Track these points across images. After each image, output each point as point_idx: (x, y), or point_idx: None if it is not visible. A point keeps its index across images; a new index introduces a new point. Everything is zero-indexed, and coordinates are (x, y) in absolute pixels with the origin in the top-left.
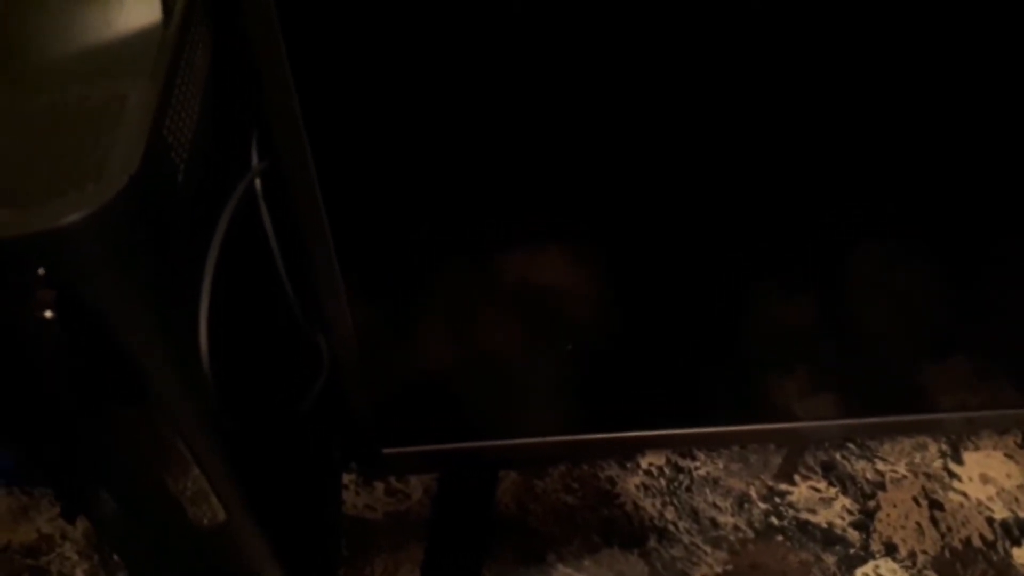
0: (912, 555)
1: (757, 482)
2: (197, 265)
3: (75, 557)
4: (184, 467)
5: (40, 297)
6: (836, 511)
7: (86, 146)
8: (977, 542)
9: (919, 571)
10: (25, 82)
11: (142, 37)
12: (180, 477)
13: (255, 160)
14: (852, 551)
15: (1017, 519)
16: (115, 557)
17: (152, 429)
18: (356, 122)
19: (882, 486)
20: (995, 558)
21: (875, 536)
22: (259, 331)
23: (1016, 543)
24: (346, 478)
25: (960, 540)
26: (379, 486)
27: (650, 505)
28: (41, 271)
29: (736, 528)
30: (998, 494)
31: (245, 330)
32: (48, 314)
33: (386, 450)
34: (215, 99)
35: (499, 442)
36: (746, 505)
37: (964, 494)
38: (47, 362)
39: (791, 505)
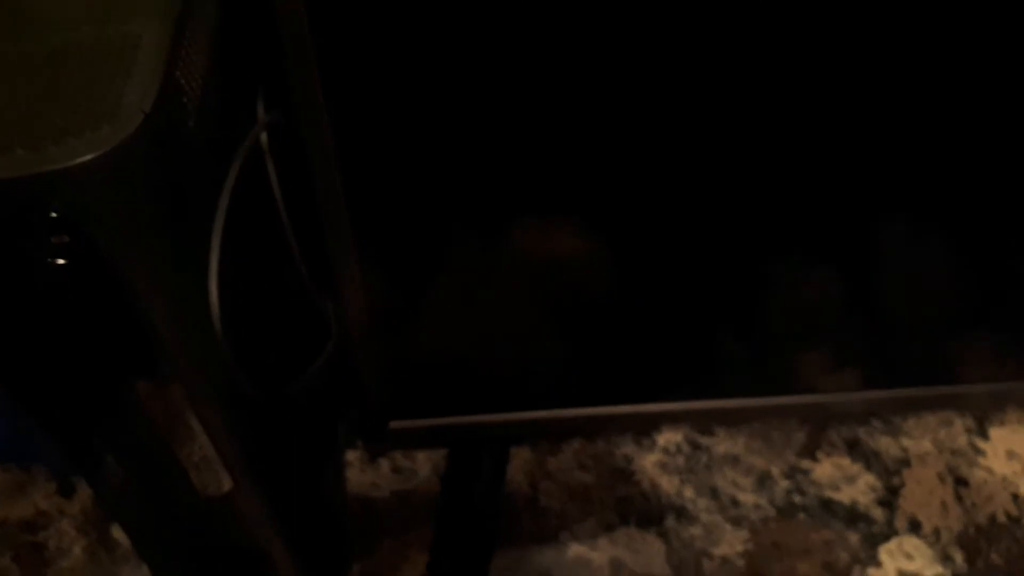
0: (936, 532)
1: (779, 459)
2: (207, 218)
3: (73, 532)
4: (191, 432)
5: (53, 242)
6: (860, 488)
7: (99, 87)
8: (1002, 518)
9: (943, 548)
10: (37, 23)
11: None
12: (187, 442)
13: (261, 114)
14: (876, 528)
15: None
16: (114, 533)
17: (160, 389)
18: (372, 75)
19: (906, 462)
20: (1020, 534)
21: (899, 513)
22: (267, 296)
23: None
24: (351, 455)
25: (985, 516)
26: (385, 464)
27: (667, 483)
28: (54, 214)
29: (757, 506)
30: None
31: (253, 294)
32: (60, 260)
33: (393, 423)
34: (223, 48)
35: (511, 415)
36: (767, 483)
37: (989, 470)
38: (56, 312)
39: (814, 483)
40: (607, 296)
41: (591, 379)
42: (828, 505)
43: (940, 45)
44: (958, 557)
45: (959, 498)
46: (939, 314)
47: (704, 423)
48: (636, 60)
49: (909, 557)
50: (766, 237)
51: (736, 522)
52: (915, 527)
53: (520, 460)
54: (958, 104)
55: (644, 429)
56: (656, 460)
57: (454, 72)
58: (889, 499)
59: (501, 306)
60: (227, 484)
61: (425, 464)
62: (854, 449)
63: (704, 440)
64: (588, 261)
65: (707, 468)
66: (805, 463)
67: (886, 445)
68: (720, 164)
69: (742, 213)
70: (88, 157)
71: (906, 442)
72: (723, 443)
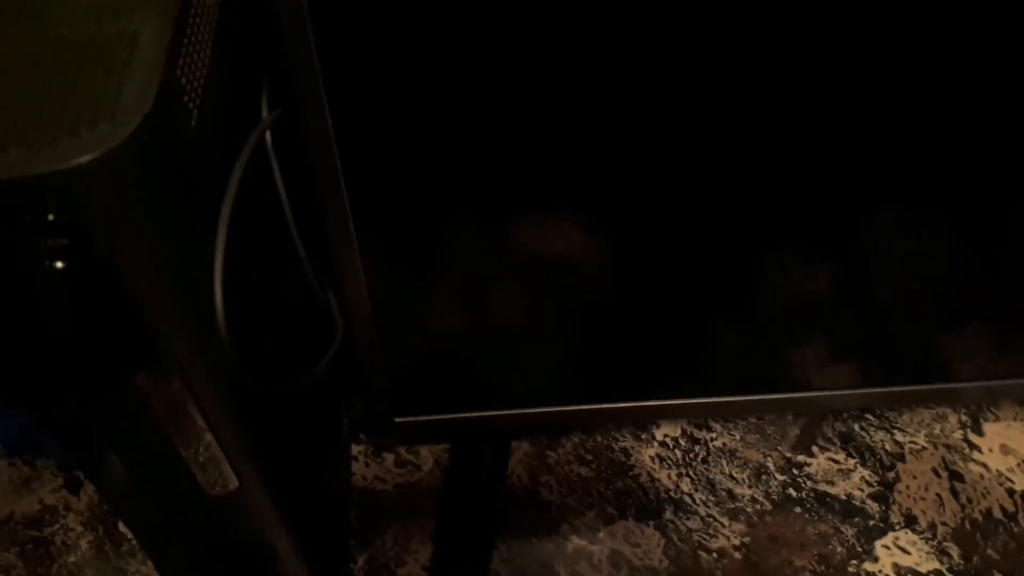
0: (932, 526)
1: (775, 453)
2: (211, 217)
3: (79, 528)
4: (196, 431)
5: (51, 245)
6: (855, 482)
7: (97, 84)
8: (997, 513)
9: (939, 543)
10: (31, 18)
11: None
12: (192, 441)
13: (265, 111)
14: (871, 523)
15: None
16: (120, 528)
17: (164, 389)
18: (375, 71)
19: (901, 457)
20: (1016, 529)
21: (894, 508)
22: (271, 293)
23: None
24: (355, 449)
25: (980, 512)
26: (389, 457)
27: (666, 477)
28: (51, 216)
29: (753, 500)
30: (1018, 465)
31: (257, 291)
32: (59, 264)
33: (398, 419)
34: (225, 44)
35: (512, 411)
36: (763, 477)
37: (984, 465)
38: (56, 315)
39: (809, 477)
40: (606, 295)
41: (591, 375)
42: (824, 499)
43: (942, 42)
44: (954, 552)
45: (954, 493)
46: (934, 310)
47: (701, 416)
48: (640, 52)
49: (905, 551)
50: (761, 234)
51: (733, 515)
52: (911, 521)
53: (521, 454)
54: (952, 101)
55: (642, 424)
56: (654, 454)
57: (456, 67)
58: (884, 493)
59: (503, 304)
60: (233, 483)
61: (428, 458)
62: (848, 443)
63: (701, 434)
64: (588, 260)
65: (704, 462)
66: (800, 457)
67: (881, 440)
68: (717, 160)
69: (738, 211)
70: (85, 158)
71: (900, 437)
72: (720, 437)
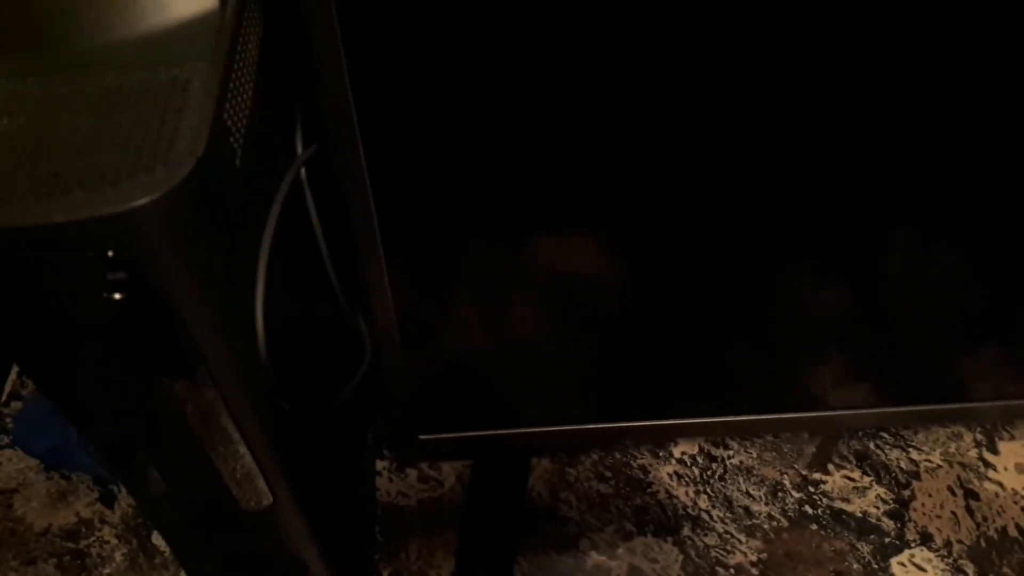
0: (948, 544)
1: (791, 471)
2: (252, 249)
3: (114, 541)
4: (235, 449)
5: (110, 279)
6: (870, 500)
7: (151, 129)
8: (1013, 532)
9: (955, 560)
10: (88, 66)
11: (199, 22)
12: (230, 459)
13: (300, 147)
14: (887, 540)
15: None
16: (153, 541)
17: (206, 410)
18: (406, 108)
19: (916, 475)
20: None
21: (910, 525)
22: (305, 317)
23: None
24: (379, 465)
25: (995, 530)
26: (412, 473)
27: (683, 493)
28: (111, 253)
29: (770, 517)
30: None
31: (293, 316)
32: (117, 296)
33: (422, 436)
34: (264, 85)
35: (533, 429)
36: (780, 494)
37: (999, 484)
38: (110, 340)
39: (825, 494)
40: (625, 316)
41: (610, 394)
42: (840, 516)
43: (971, 66)
44: (970, 570)
45: (970, 511)
46: (948, 330)
47: (718, 435)
48: (671, 81)
49: (921, 569)
50: (779, 254)
51: (750, 532)
52: (926, 539)
53: (541, 470)
54: (970, 124)
55: (660, 441)
56: (672, 471)
57: (484, 106)
58: (900, 511)
59: (524, 326)
60: (267, 499)
61: (450, 474)
62: (864, 462)
63: (718, 452)
64: (607, 282)
65: (721, 479)
66: (816, 475)
67: (896, 458)
68: (739, 183)
69: (756, 231)
70: (144, 200)
71: (916, 455)
72: (737, 455)
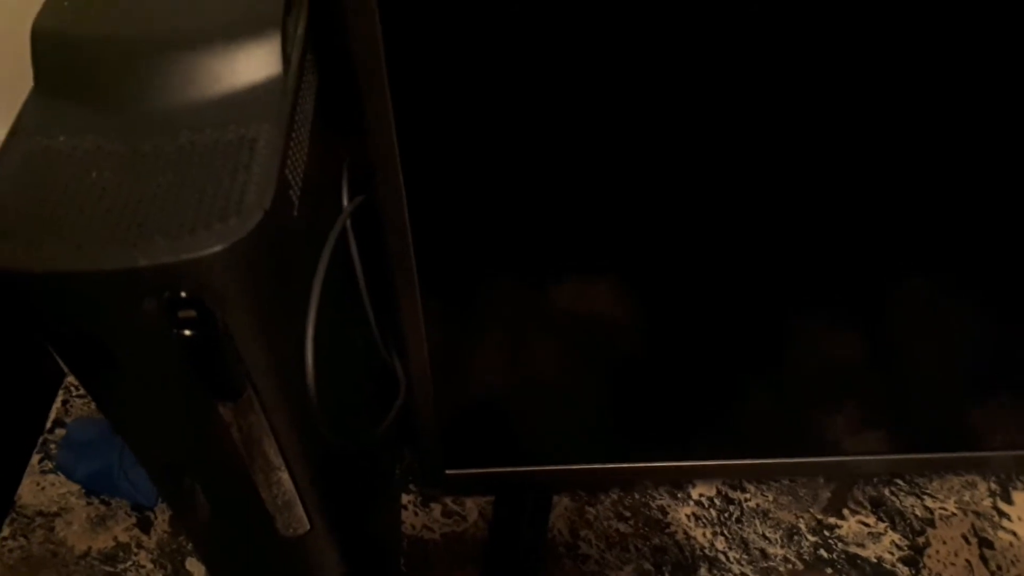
0: None
1: (806, 515)
2: (304, 290)
3: (150, 566)
4: (279, 477)
5: (181, 317)
6: (885, 546)
7: (223, 184)
8: None
9: None
10: (168, 124)
11: (264, 86)
12: (274, 486)
13: (346, 198)
14: None
15: None
16: (187, 567)
17: (255, 437)
18: (449, 162)
19: (931, 523)
20: None
21: (925, 572)
22: (346, 355)
23: None
24: (404, 498)
25: None
26: (436, 507)
27: (701, 535)
28: (183, 293)
29: (786, 559)
30: None
31: (335, 353)
32: (187, 332)
33: (449, 471)
34: (318, 141)
35: (556, 467)
36: (795, 537)
37: (1014, 533)
38: (174, 371)
39: (840, 538)
40: (647, 361)
41: (631, 435)
42: (855, 561)
43: (995, 120)
44: None
45: (984, 560)
46: (963, 379)
47: (736, 477)
48: (704, 131)
49: None
50: (796, 304)
51: (766, 574)
52: None
53: (561, 508)
54: (984, 175)
55: (679, 483)
56: (690, 512)
57: (524, 160)
58: (915, 558)
59: (550, 368)
60: (304, 527)
61: (473, 509)
62: (879, 508)
63: (735, 495)
64: (634, 329)
65: (738, 522)
66: (831, 519)
67: (911, 505)
68: (751, 231)
69: (775, 281)
70: (219, 248)
71: (930, 503)
72: (754, 498)
